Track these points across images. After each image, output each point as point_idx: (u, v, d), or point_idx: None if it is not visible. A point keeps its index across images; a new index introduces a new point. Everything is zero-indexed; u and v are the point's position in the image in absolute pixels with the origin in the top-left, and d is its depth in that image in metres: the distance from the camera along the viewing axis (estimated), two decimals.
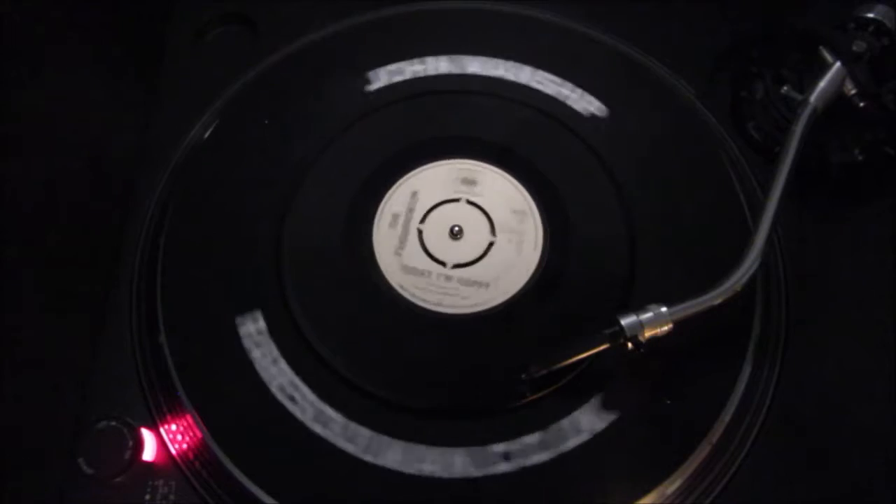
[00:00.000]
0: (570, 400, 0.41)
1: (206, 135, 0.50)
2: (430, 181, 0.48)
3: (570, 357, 0.39)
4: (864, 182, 0.48)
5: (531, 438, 0.40)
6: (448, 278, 0.45)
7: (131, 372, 0.44)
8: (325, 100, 0.51)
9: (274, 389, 0.42)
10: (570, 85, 0.51)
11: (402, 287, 0.44)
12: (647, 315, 0.38)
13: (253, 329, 0.43)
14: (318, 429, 0.41)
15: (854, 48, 0.45)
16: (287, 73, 0.53)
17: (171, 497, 0.41)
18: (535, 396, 0.41)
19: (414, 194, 0.47)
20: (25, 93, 0.44)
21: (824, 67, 0.45)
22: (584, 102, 0.50)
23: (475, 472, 0.39)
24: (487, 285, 0.44)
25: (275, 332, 0.43)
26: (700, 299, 0.39)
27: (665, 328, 0.38)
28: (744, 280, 0.40)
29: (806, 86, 0.46)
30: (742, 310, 0.43)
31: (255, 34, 0.55)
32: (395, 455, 0.40)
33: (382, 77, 0.51)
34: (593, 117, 0.49)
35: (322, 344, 0.42)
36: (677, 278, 0.44)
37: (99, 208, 0.48)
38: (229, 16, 0.56)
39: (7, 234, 0.41)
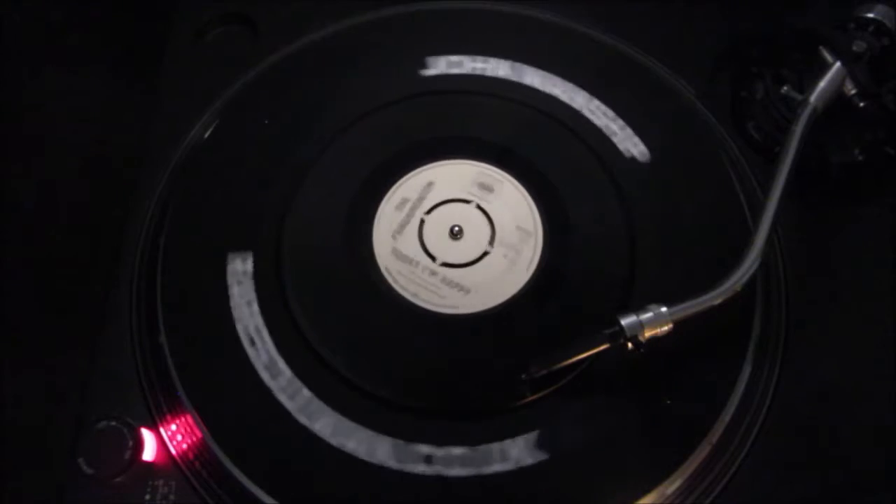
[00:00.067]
0: (512, 424, 0.41)
1: (206, 135, 0.50)
2: (449, 176, 0.48)
3: (570, 357, 0.39)
4: (864, 182, 0.48)
5: (457, 451, 0.40)
6: (433, 273, 0.45)
7: (131, 372, 0.44)
8: (376, 77, 0.51)
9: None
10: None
11: (386, 270, 0.45)
12: (647, 315, 0.38)
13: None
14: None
15: (854, 48, 0.45)
16: (287, 73, 0.53)
17: (171, 497, 0.41)
18: (534, 397, 0.41)
19: (429, 184, 0.47)
20: (25, 93, 0.44)
21: (824, 67, 0.45)
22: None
23: (394, 465, 0.40)
24: (468, 291, 0.44)
25: (274, 331, 0.43)
26: (700, 299, 0.39)
27: (665, 328, 0.38)
28: (744, 280, 0.40)
29: (806, 86, 0.46)
30: (742, 310, 0.43)
31: (255, 34, 0.55)
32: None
33: (441, 65, 0.51)
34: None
35: (322, 344, 0.43)
36: (677, 278, 0.44)
37: (99, 208, 0.48)
38: (229, 16, 0.55)
39: (7, 234, 0.41)
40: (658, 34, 0.54)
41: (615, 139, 0.49)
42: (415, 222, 0.46)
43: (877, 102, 0.45)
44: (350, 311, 0.44)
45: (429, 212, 0.47)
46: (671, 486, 0.40)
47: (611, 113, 0.50)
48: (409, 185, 0.47)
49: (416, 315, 0.44)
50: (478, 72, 0.52)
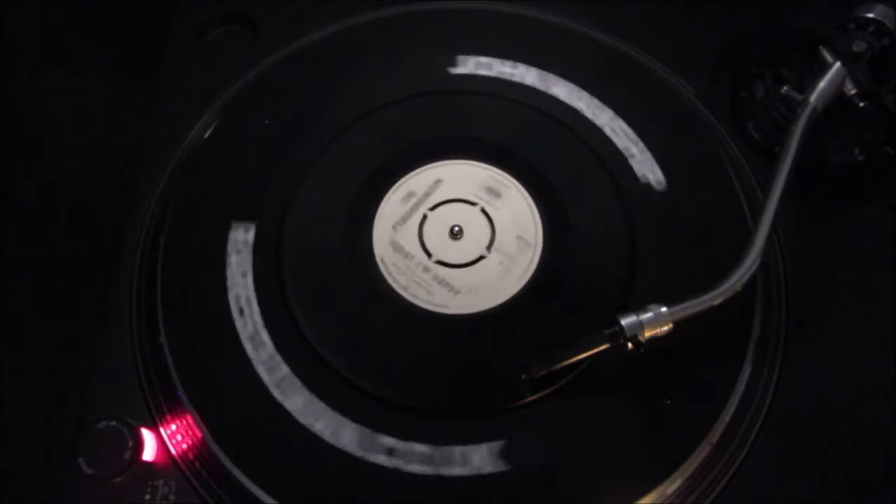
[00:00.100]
0: (475, 431, 0.41)
1: (206, 135, 0.50)
2: (458, 176, 0.48)
3: (570, 357, 0.39)
4: (864, 182, 0.48)
5: (420, 447, 0.40)
6: (426, 269, 0.45)
7: (131, 372, 0.44)
8: (405, 69, 0.51)
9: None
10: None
11: (381, 259, 0.45)
12: (647, 315, 0.38)
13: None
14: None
15: (854, 48, 0.45)
16: (287, 73, 0.53)
17: (171, 497, 0.41)
18: (534, 397, 0.41)
19: (438, 181, 0.47)
20: (25, 93, 0.44)
21: (824, 67, 0.45)
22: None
23: (357, 452, 0.40)
24: (458, 292, 0.44)
25: (273, 330, 0.43)
26: (700, 299, 0.39)
27: (665, 328, 0.38)
28: (744, 280, 0.40)
29: (806, 86, 0.46)
30: (742, 310, 0.43)
31: (255, 34, 0.55)
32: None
33: (470, 65, 0.51)
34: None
35: (322, 345, 0.43)
36: (677, 278, 0.44)
37: (99, 208, 0.48)
38: (229, 16, 0.55)
39: (7, 234, 0.41)
40: (658, 34, 0.54)
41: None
42: (417, 217, 0.47)
43: (877, 102, 0.45)
44: (348, 308, 0.44)
45: (433, 208, 0.47)
46: (671, 486, 0.40)
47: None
48: (418, 180, 0.48)
49: (406, 310, 0.44)
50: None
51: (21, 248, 0.42)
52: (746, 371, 0.42)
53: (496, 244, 0.46)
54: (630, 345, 0.38)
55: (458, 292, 0.44)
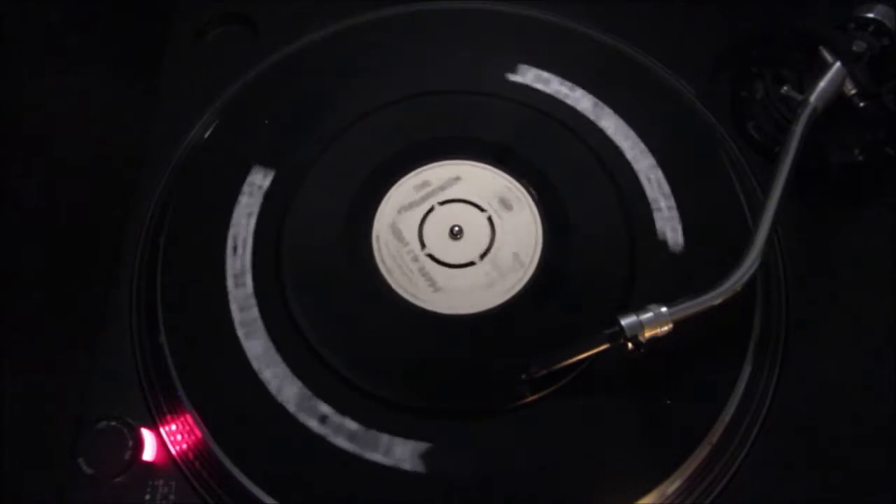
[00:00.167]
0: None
1: (206, 135, 0.50)
2: (477, 179, 0.48)
3: (570, 357, 0.39)
4: (864, 182, 0.48)
5: (350, 424, 0.40)
6: (415, 259, 0.45)
7: (131, 372, 0.44)
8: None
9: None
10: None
11: (377, 238, 0.45)
12: (647, 315, 0.38)
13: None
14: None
15: (854, 48, 0.45)
16: (287, 73, 0.53)
17: (171, 497, 0.41)
18: (534, 397, 0.41)
19: (456, 178, 0.48)
20: (25, 93, 0.44)
21: (824, 67, 0.45)
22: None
23: (293, 410, 0.41)
24: (438, 290, 0.44)
25: (272, 329, 0.43)
26: (700, 299, 0.39)
27: (665, 328, 0.38)
28: (744, 280, 0.40)
29: (806, 86, 0.46)
30: (742, 310, 0.43)
31: (255, 34, 0.55)
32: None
33: (528, 76, 0.51)
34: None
35: (322, 345, 0.43)
36: (677, 278, 0.44)
37: (99, 208, 0.48)
38: (229, 16, 0.55)
39: (7, 234, 0.41)
40: (658, 34, 0.54)
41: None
42: (425, 207, 0.47)
43: (877, 102, 0.45)
44: (348, 308, 0.44)
45: (443, 203, 0.47)
46: (671, 486, 0.40)
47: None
48: (437, 172, 0.48)
49: (387, 292, 0.44)
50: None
51: (21, 248, 0.42)
52: (746, 371, 0.42)
53: (490, 255, 0.46)
54: (630, 345, 0.38)
55: (437, 290, 0.44)
